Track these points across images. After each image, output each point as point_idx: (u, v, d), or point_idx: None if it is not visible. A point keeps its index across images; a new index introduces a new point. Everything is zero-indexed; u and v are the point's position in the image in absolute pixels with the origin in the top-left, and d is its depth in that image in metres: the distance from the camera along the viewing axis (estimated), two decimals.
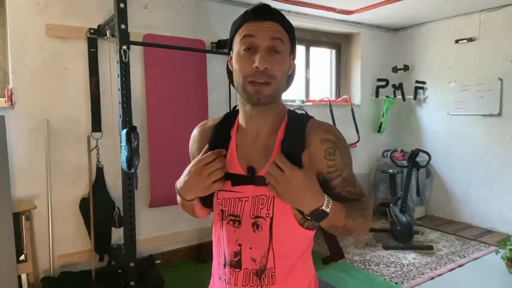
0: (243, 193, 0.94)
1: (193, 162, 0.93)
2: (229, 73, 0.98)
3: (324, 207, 0.84)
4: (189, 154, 1.08)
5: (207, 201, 0.99)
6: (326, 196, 0.85)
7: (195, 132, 1.07)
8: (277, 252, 0.93)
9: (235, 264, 0.94)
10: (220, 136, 0.99)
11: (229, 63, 0.97)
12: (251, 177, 0.93)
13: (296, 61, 0.98)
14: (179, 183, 0.96)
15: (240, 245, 0.94)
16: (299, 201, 0.85)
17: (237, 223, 0.94)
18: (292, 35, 0.93)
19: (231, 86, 3.55)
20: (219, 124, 1.02)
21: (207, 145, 0.97)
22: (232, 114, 1.03)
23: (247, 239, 0.94)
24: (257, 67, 0.86)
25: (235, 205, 0.94)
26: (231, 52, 0.95)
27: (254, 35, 0.88)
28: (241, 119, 0.98)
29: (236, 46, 0.91)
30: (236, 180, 0.94)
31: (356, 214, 0.90)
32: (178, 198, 1.00)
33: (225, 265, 0.97)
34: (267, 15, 0.89)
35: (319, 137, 0.91)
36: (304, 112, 1.00)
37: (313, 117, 0.98)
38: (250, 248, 0.93)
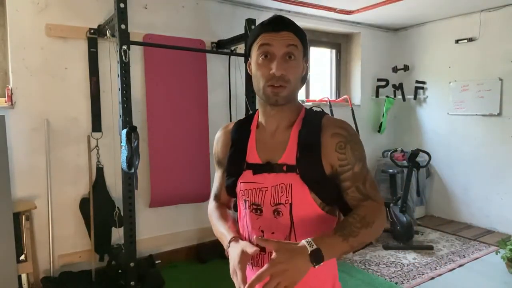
0: (263, 183, 1.04)
1: (236, 261, 0.95)
2: (249, 76, 1.11)
3: (313, 262, 0.86)
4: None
5: (231, 191, 1.13)
6: (308, 248, 0.87)
7: (218, 133, 1.21)
8: (299, 235, 1.01)
9: (260, 248, 0.99)
10: (241, 130, 1.14)
11: (248, 68, 1.11)
12: (269, 165, 1.04)
13: (308, 64, 1.10)
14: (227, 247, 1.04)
15: (262, 231, 1.05)
16: (298, 275, 0.87)
17: (259, 211, 1.06)
18: (305, 41, 1.04)
19: (231, 86, 3.60)
20: (241, 121, 1.18)
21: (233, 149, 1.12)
22: (253, 115, 1.17)
23: (269, 225, 1.04)
24: (274, 73, 0.98)
25: (257, 195, 1.05)
26: (249, 58, 1.08)
27: (271, 44, 0.99)
28: (260, 117, 1.12)
29: (255, 54, 1.03)
30: (256, 169, 1.06)
31: (355, 230, 0.93)
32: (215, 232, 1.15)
33: None
34: (282, 26, 1.00)
35: (331, 131, 1.01)
36: (320, 110, 1.12)
37: (328, 114, 1.09)
38: (273, 233, 1.03)
